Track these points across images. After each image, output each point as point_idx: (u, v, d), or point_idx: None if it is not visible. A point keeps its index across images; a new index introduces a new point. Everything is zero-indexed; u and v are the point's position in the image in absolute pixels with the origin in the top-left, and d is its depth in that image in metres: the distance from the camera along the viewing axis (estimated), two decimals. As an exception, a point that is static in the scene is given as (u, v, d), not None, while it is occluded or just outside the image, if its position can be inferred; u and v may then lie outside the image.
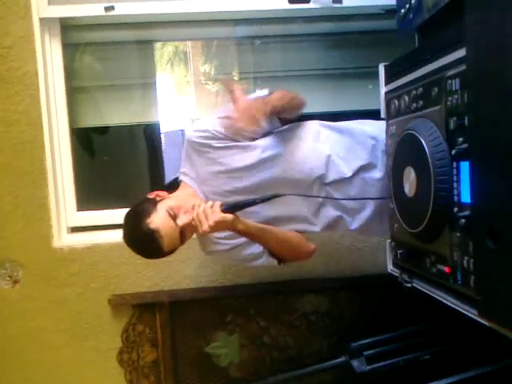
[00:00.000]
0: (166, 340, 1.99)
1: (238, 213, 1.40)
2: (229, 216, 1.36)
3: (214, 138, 1.46)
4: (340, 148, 1.54)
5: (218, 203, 1.37)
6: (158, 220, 1.37)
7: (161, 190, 1.52)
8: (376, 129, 1.58)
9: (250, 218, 1.45)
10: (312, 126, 1.59)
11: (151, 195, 1.47)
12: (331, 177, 1.50)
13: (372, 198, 1.51)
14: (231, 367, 2.04)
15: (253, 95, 1.50)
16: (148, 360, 2.03)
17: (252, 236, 1.47)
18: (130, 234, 1.43)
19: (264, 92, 1.51)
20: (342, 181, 1.51)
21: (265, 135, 1.51)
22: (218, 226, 1.36)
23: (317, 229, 1.55)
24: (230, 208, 1.37)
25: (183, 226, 1.39)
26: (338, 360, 1.87)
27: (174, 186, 1.55)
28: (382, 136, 1.52)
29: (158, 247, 1.38)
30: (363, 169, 1.53)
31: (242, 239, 1.50)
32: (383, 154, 1.52)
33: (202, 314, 2.02)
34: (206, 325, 2.02)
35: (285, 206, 1.49)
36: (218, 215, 1.34)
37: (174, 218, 1.38)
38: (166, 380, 2.00)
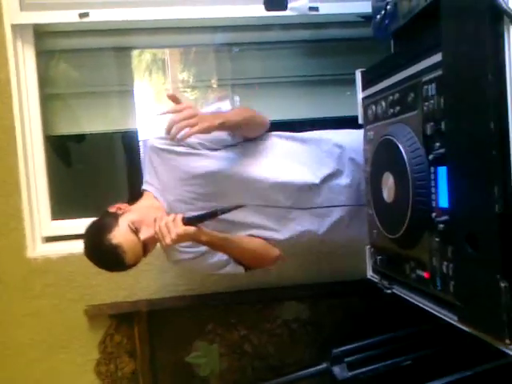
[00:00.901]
0: (145, 350, 1.95)
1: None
2: (191, 228, 1.37)
3: (177, 144, 1.46)
4: (305, 158, 1.56)
5: (179, 216, 1.37)
6: (120, 235, 1.37)
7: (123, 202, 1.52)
8: (343, 137, 1.61)
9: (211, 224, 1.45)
10: (271, 139, 1.59)
11: (112, 209, 1.47)
12: (297, 185, 1.51)
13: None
14: (212, 377, 2.02)
15: (213, 105, 1.54)
16: (126, 371, 1.99)
17: (216, 246, 1.48)
18: (92, 249, 1.44)
19: (226, 105, 1.53)
20: (309, 188, 1.52)
21: (227, 147, 1.52)
22: (181, 238, 1.37)
23: (281, 236, 1.56)
24: (191, 220, 1.38)
25: (145, 239, 1.39)
26: (319, 367, 1.86)
27: (137, 196, 1.55)
28: (349, 144, 1.57)
29: (121, 262, 1.38)
30: (330, 176, 1.54)
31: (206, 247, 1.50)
32: (350, 162, 1.56)
33: (181, 324, 1.99)
34: (185, 334, 2.00)
35: (247, 214, 1.50)
36: (180, 228, 1.35)
37: (136, 232, 1.38)
38: (145, 392, 1.97)
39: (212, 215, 1.39)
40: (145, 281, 1.96)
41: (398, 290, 1.16)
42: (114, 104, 2.24)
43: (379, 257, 1.20)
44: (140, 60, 2.64)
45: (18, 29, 1.93)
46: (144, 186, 1.55)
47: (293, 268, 2.00)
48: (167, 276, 1.97)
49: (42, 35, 2.03)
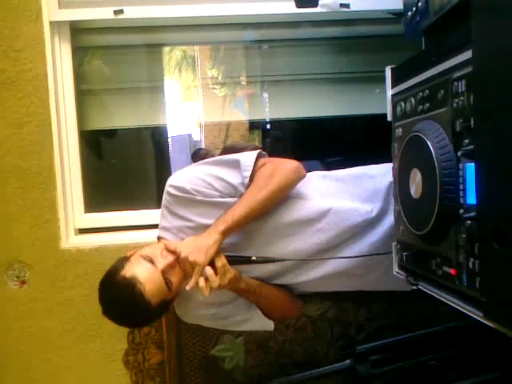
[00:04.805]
0: (172, 342, 1.99)
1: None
2: (238, 274, 1.33)
3: (196, 194, 1.37)
4: (345, 195, 1.48)
5: (224, 259, 1.29)
6: (133, 267, 1.26)
7: None
8: (376, 171, 1.53)
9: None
10: (311, 179, 1.50)
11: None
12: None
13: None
14: (236, 370, 2.04)
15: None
16: (153, 362, 2.03)
17: (250, 294, 1.41)
18: (107, 294, 1.30)
19: (250, 155, 1.41)
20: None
21: None
22: (229, 283, 1.30)
23: (305, 278, 1.49)
24: (232, 259, 1.33)
25: (164, 268, 1.27)
26: (343, 364, 1.86)
27: None
28: (384, 177, 1.47)
29: (140, 296, 1.22)
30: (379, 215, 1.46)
31: (229, 306, 1.44)
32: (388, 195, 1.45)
33: (207, 317, 2.02)
34: (212, 327, 2.02)
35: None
36: (232, 273, 1.29)
37: (151, 262, 1.27)
38: (171, 382, 2.00)
39: (247, 261, 1.35)
40: (173, 274, 1.99)
41: (423, 286, 1.16)
42: (145, 100, 2.29)
43: (405, 253, 1.20)
44: (170, 57, 2.69)
45: (55, 25, 1.99)
46: (160, 233, 1.44)
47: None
48: (194, 269, 2.00)
49: (77, 32, 2.08)
